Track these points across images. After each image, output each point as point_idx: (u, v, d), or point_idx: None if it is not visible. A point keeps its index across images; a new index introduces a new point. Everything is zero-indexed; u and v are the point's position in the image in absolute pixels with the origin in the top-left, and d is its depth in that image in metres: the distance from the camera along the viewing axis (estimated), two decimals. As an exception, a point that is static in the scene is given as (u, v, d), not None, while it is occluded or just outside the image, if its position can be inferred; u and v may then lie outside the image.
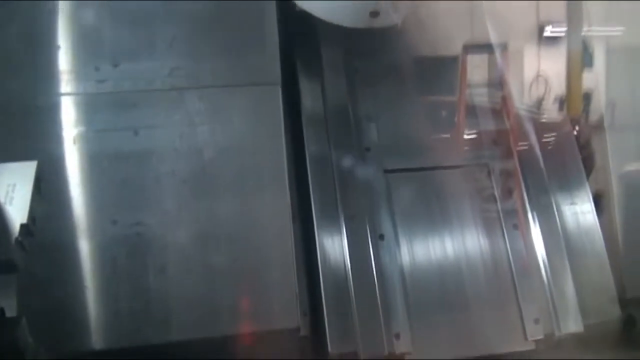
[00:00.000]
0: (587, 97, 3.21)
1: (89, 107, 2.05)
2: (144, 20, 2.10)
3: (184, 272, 2.05)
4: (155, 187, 2.06)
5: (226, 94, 2.13)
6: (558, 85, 3.09)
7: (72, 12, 2.05)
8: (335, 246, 2.19)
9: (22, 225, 1.25)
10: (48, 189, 1.60)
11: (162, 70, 2.09)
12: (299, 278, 2.15)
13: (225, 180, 2.11)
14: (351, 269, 2.17)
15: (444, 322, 2.20)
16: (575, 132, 2.70)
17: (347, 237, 2.19)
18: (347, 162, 2.29)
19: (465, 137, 2.43)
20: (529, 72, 3.09)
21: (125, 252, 2.02)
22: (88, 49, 2.06)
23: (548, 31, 3.22)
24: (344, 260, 2.18)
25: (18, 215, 1.28)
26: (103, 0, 2.05)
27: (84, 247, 1.98)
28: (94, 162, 2.03)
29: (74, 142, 2.01)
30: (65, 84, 2.03)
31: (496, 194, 2.36)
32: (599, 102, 3.11)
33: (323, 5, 2.17)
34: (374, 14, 2.15)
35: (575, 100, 3.11)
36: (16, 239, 1.23)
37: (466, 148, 2.42)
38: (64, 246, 1.97)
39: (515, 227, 2.31)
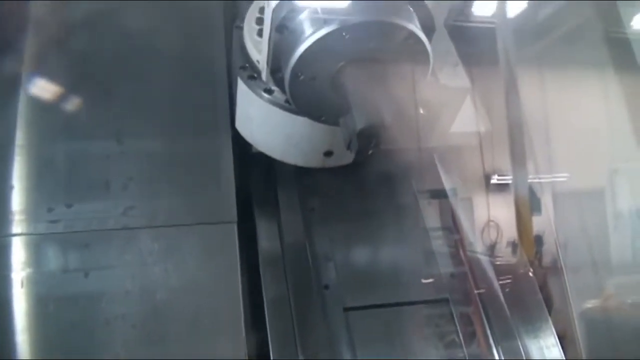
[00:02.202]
0: (540, 240, 3.73)
1: (40, 248, 2.26)
2: (100, 161, 2.40)
3: None
4: (104, 331, 2.21)
5: (181, 233, 2.36)
6: (509, 230, 3.59)
7: (28, 152, 2.36)
8: None
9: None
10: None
11: (116, 210, 2.33)
12: None
13: (178, 324, 2.28)
14: None
15: None
16: (531, 274, 3.16)
17: None
18: (305, 301, 2.52)
19: (425, 276, 2.84)
20: (480, 218, 3.60)
21: None
22: (42, 189, 2.32)
23: (495, 179, 3.80)
24: None
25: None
26: (60, 141, 2.41)
27: (28, 395, 2.03)
28: (42, 305, 2.20)
29: (22, 285, 2.20)
30: (17, 225, 2.25)
31: (459, 329, 2.61)
32: (551, 245, 3.62)
33: (278, 147, 2.51)
34: (328, 154, 2.49)
35: (527, 243, 3.61)
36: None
37: (426, 285, 2.72)
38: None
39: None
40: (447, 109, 2.65)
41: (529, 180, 3.71)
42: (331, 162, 2.53)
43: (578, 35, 3.98)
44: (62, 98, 2.49)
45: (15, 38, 2.57)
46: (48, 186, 2.36)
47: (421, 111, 2.36)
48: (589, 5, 3.69)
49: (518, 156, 3.70)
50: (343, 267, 2.67)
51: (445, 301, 2.67)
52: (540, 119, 3.83)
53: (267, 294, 2.52)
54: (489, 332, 2.65)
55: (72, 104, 2.48)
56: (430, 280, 2.74)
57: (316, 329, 2.50)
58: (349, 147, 2.06)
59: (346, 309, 2.57)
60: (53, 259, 2.30)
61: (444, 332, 2.63)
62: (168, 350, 2.28)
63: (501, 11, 3.33)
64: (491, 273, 2.86)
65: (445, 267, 2.80)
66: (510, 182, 3.60)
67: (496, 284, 2.83)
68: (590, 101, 3.93)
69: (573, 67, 3.96)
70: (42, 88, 2.51)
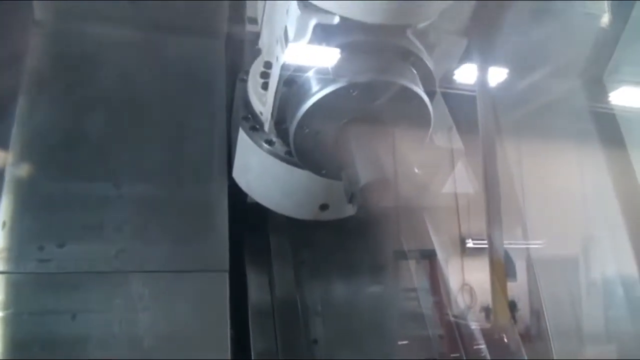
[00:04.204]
0: (514, 306, 3.82)
1: (28, 288, 2.26)
2: (95, 203, 2.42)
3: None
4: (88, 377, 2.17)
5: (172, 279, 2.39)
6: (483, 295, 3.68)
7: (21, 189, 2.38)
8: None
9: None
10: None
11: (108, 253, 2.35)
12: None
13: (165, 373, 2.26)
14: None
15: None
16: (505, 340, 3.23)
17: None
18: (294, 355, 2.54)
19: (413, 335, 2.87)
20: (454, 282, 3.69)
21: None
22: (34, 228, 2.33)
23: (470, 243, 3.91)
24: None
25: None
26: (55, 180, 2.44)
27: None
28: (25, 347, 2.18)
29: (6, 325, 2.19)
30: (6, 262, 2.25)
31: None
32: (526, 311, 3.71)
33: (273, 198, 2.56)
34: (324, 207, 2.53)
35: (501, 309, 3.70)
36: None
37: (414, 343, 2.83)
38: None
39: None
40: (440, 170, 2.73)
41: (505, 246, 3.80)
42: (325, 216, 2.57)
43: (558, 107, 4.15)
44: (60, 137, 2.49)
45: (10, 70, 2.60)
46: (40, 225, 2.37)
47: (416, 171, 2.44)
48: (572, 78, 3.87)
49: (494, 221, 3.79)
50: (332, 321, 2.69)
51: (432, 360, 2.71)
52: (517, 186, 3.95)
53: (256, 346, 2.53)
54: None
55: (71, 145, 2.50)
56: (418, 338, 2.77)
57: (305, 384, 2.51)
58: (350, 201, 2.12)
59: (334, 365, 2.59)
60: (40, 299, 2.29)
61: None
62: (153, 400, 2.24)
63: (482, 79, 3.46)
64: (476, 334, 2.91)
65: (433, 326, 2.84)
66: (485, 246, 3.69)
67: (482, 344, 2.87)
68: (567, 171, 4.07)
69: (551, 137, 4.11)
70: (39, 125, 2.52)
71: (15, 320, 2.22)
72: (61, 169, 2.48)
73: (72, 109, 2.58)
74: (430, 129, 2.34)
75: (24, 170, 2.43)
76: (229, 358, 2.34)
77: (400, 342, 2.78)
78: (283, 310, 2.65)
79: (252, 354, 2.51)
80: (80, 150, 2.52)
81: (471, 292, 3.75)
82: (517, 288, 3.80)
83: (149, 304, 2.35)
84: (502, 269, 3.78)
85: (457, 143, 2.77)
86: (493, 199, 3.83)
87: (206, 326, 2.40)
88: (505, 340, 3.04)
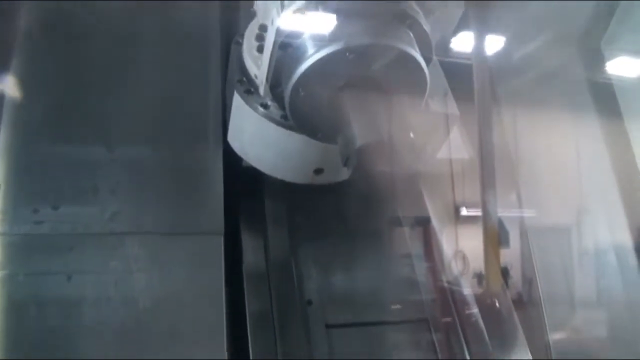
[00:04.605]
0: (506, 273, 3.87)
1: (23, 249, 2.26)
2: (89, 166, 2.42)
3: None
4: (84, 337, 2.23)
5: (167, 241, 2.40)
6: (476, 262, 3.72)
7: (14, 152, 2.37)
8: None
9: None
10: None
11: (103, 215, 2.36)
12: None
13: (160, 333, 2.30)
14: None
15: None
16: (497, 306, 3.28)
17: None
18: (288, 316, 2.57)
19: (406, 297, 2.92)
20: (447, 249, 3.72)
21: None
22: (29, 190, 2.33)
23: (464, 211, 3.94)
24: None
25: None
26: (49, 143, 2.43)
27: (1, 403, 2.03)
28: (21, 308, 2.20)
29: (1, 285, 2.20)
30: (0, 224, 2.27)
31: (437, 348, 2.73)
32: (518, 278, 3.77)
33: (269, 162, 2.56)
34: (319, 171, 2.54)
35: (494, 276, 3.74)
36: None
37: (407, 306, 2.84)
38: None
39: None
40: (435, 135, 2.74)
41: (499, 214, 3.82)
42: (320, 180, 2.58)
43: (554, 76, 4.14)
44: (53, 101, 2.48)
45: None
46: (35, 187, 2.37)
47: (411, 135, 2.44)
48: (569, 47, 3.87)
49: (488, 189, 3.81)
50: (326, 284, 2.72)
51: (425, 322, 2.74)
52: (513, 156, 3.97)
53: (250, 307, 2.56)
54: (466, 352, 2.74)
55: (64, 108, 2.48)
56: (411, 301, 2.81)
57: (298, 345, 2.54)
58: (345, 165, 2.13)
59: (328, 326, 2.62)
60: (35, 260, 2.30)
61: (424, 352, 2.69)
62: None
63: (479, 47, 3.44)
64: (468, 299, 2.95)
65: (426, 290, 2.87)
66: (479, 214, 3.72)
67: (474, 310, 2.91)
68: (562, 140, 4.08)
69: (548, 106, 4.11)
70: (33, 89, 2.50)
71: (10, 281, 2.23)
72: (54, 132, 2.47)
73: (65, 72, 2.56)
74: (426, 94, 2.34)
75: (17, 133, 2.41)
76: (224, 319, 2.36)
77: (393, 306, 2.81)
78: (278, 273, 2.68)
79: (247, 315, 2.52)
80: (73, 113, 2.50)
81: (464, 258, 3.79)
82: (510, 255, 3.84)
83: (144, 266, 2.37)
84: (495, 237, 3.81)
85: (453, 108, 2.78)
86: (487, 166, 3.84)
87: (201, 288, 2.42)
88: (498, 305, 3.09)
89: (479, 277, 3.76)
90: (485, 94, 3.45)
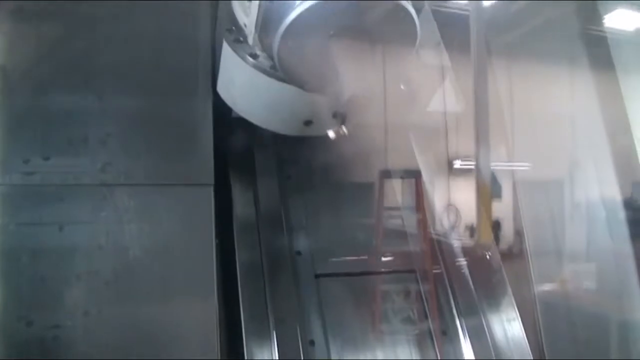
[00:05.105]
0: (497, 225, 3.92)
1: (14, 199, 2.28)
2: (79, 116, 2.42)
3: None
4: (76, 287, 2.26)
5: (157, 192, 2.42)
6: (468, 214, 3.76)
7: (6, 103, 2.36)
8: (264, 352, 2.44)
9: None
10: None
11: (94, 166, 2.37)
12: None
13: (150, 283, 2.34)
14: None
15: None
16: (488, 257, 3.33)
17: (276, 342, 2.45)
18: (277, 266, 2.62)
19: (394, 247, 2.98)
20: (440, 202, 3.76)
21: (40, 357, 2.19)
22: (19, 140, 2.33)
23: (457, 164, 3.95)
24: None
25: None
26: (39, 94, 2.41)
27: (-6, 350, 2.07)
28: (13, 257, 2.23)
29: None
30: None
31: (424, 299, 2.78)
32: (509, 230, 3.82)
33: (258, 113, 2.56)
34: (308, 123, 2.54)
35: (485, 228, 3.79)
36: None
37: (394, 256, 2.90)
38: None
39: (444, 333, 2.74)
40: (426, 87, 2.74)
41: (492, 167, 3.86)
42: (310, 132, 2.59)
43: (551, 29, 4.12)
44: (44, 51, 2.47)
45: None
46: (25, 138, 2.37)
47: (402, 87, 2.44)
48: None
49: (482, 142, 3.84)
50: (316, 235, 2.76)
51: (412, 272, 2.79)
52: (508, 108, 3.97)
53: (240, 258, 2.59)
54: (452, 303, 2.79)
55: (55, 58, 2.47)
56: (399, 252, 2.86)
57: (287, 294, 2.59)
58: (334, 116, 2.13)
59: (317, 276, 2.66)
60: (27, 211, 2.32)
61: (411, 302, 2.75)
62: (139, 308, 2.35)
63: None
64: (457, 251, 3.00)
65: (414, 242, 2.91)
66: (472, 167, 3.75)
67: (461, 262, 2.96)
68: (558, 93, 4.08)
69: (545, 61, 4.11)
70: (22, 39, 2.48)
71: (2, 231, 2.25)
72: (44, 82, 2.45)
73: (55, 22, 2.53)
74: (417, 44, 2.33)
75: (7, 84, 2.40)
76: (215, 269, 2.40)
77: (381, 256, 2.86)
78: (267, 224, 2.70)
79: (237, 265, 2.56)
80: (63, 63, 2.48)
81: (457, 212, 3.82)
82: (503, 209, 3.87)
83: (134, 217, 2.39)
84: (487, 190, 3.85)
85: (445, 59, 2.77)
86: (481, 120, 3.86)
87: (192, 239, 2.46)
88: (487, 257, 3.14)
89: (471, 230, 3.81)
90: (482, 46, 3.43)
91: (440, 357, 2.68)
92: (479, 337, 2.76)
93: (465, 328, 2.77)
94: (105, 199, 2.39)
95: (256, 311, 2.52)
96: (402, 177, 3.19)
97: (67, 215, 2.35)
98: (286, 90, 2.39)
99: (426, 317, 2.79)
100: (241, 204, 2.74)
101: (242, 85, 2.48)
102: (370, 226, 2.96)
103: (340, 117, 2.12)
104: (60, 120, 2.42)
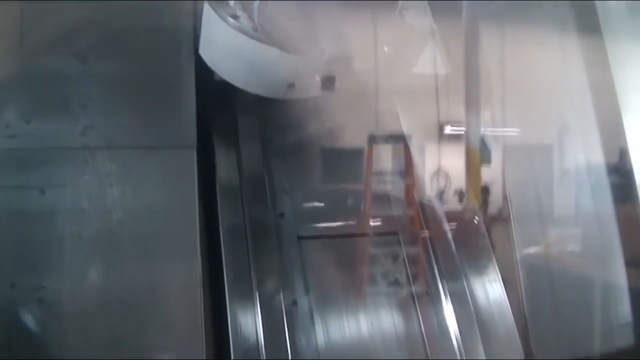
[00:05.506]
0: (487, 190, 3.93)
1: (-4, 163, 2.26)
2: (60, 80, 2.41)
3: (87, 339, 2.24)
4: (59, 249, 2.27)
5: (139, 155, 2.42)
6: (458, 179, 3.78)
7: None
8: (247, 313, 2.46)
9: None
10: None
11: (75, 129, 2.37)
12: (208, 345, 2.35)
13: (134, 244, 2.35)
14: (263, 336, 2.43)
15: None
16: (475, 222, 3.36)
17: (259, 303, 2.47)
18: (260, 228, 2.63)
19: (377, 211, 3.00)
20: (430, 166, 3.77)
21: (24, 319, 2.21)
22: (0, 103, 2.32)
23: (448, 129, 3.97)
24: (256, 327, 2.44)
25: None
26: (19, 55, 2.40)
27: (-23, 311, 2.10)
28: (-4, 220, 2.22)
29: None
30: None
31: (406, 261, 2.81)
32: (497, 195, 3.84)
33: (241, 75, 2.54)
34: (291, 86, 2.53)
35: (474, 193, 3.81)
36: None
37: (378, 219, 2.91)
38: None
39: (427, 294, 2.77)
40: (411, 49, 2.73)
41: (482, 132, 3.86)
42: (293, 95, 2.58)
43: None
44: (25, 12, 2.44)
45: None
46: (6, 101, 2.36)
47: (385, 49, 2.44)
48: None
49: (472, 107, 3.83)
50: (299, 197, 2.78)
51: (395, 234, 2.81)
52: (498, 73, 3.95)
53: (224, 220, 2.60)
54: (435, 266, 2.82)
55: (35, 19, 2.44)
56: (382, 215, 2.87)
57: (270, 255, 2.61)
58: (316, 79, 2.13)
59: (300, 238, 2.68)
60: (9, 174, 2.33)
61: (393, 264, 2.78)
62: (123, 270, 2.36)
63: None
64: (441, 215, 3.02)
65: (398, 206, 2.93)
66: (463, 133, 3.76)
67: (445, 225, 2.98)
68: (540, 58, 4.06)
69: (534, 25, 4.07)
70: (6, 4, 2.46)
71: (-17, 194, 2.22)
72: (25, 45, 2.44)
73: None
74: (400, 4, 2.32)
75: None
76: (197, 231, 2.42)
77: (364, 219, 2.88)
78: (251, 186, 2.71)
79: (220, 227, 2.57)
80: (44, 26, 2.46)
81: (446, 176, 3.83)
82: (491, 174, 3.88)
83: (117, 180, 2.40)
84: (476, 155, 3.85)
85: (430, 21, 2.76)
86: (472, 84, 3.84)
87: (175, 201, 2.46)
88: (475, 222, 3.16)
89: (460, 195, 3.83)
90: (474, 11, 3.39)
91: (421, 317, 2.72)
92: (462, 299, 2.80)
93: (447, 290, 2.81)
94: (87, 162, 2.39)
95: (239, 272, 2.54)
96: (388, 142, 3.18)
97: (50, 178, 2.35)
98: (267, 51, 2.38)
99: (409, 279, 2.81)
100: (224, 167, 2.74)
101: (224, 46, 2.47)
102: (354, 190, 2.97)
103: (322, 79, 2.11)
104: (41, 84, 2.41)
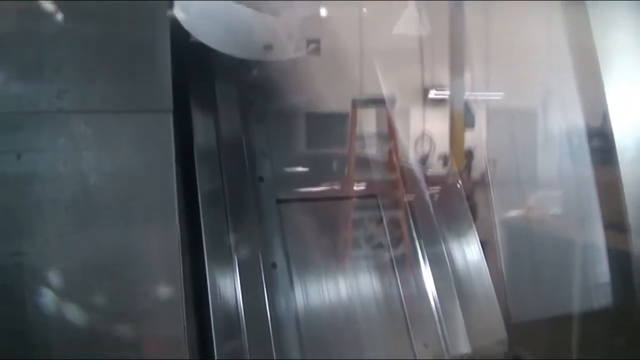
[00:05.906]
0: (470, 155, 3.96)
1: (-32, 127, 2.22)
2: (32, 42, 2.35)
3: (65, 305, 2.26)
4: (36, 214, 2.27)
5: (115, 119, 2.39)
6: (442, 144, 3.80)
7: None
8: (226, 276, 2.49)
9: None
10: None
11: (50, 93, 2.33)
12: (188, 311, 2.37)
13: (111, 209, 2.35)
14: (242, 298, 2.46)
15: (336, 354, 2.57)
16: (458, 186, 3.39)
17: (238, 266, 2.49)
18: (239, 192, 2.63)
19: (357, 176, 3.02)
20: (414, 131, 3.79)
21: (2, 284, 2.22)
22: (-28, 66, 2.25)
23: (432, 94, 3.98)
24: (235, 291, 2.47)
25: None
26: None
27: (-46, 278, 2.08)
28: (-29, 185, 2.18)
29: None
30: None
31: (386, 225, 2.84)
32: (481, 160, 3.87)
33: (217, 37, 2.52)
34: (268, 47, 2.51)
35: (457, 157, 3.84)
36: None
37: (357, 183, 2.92)
38: None
39: (404, 256, 2.81)
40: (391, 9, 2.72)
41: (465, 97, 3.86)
42: (271, 56, 2.56)
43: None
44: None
45: None
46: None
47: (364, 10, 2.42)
48: None
49: (457, 71, 3.83)
50: (278, 161, 2.78)
51: (374, 197, 2.82)
52: (482, 37, 3.95)
53: (202, 185, 2.59)
54: (413, 229, 2.85)
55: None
56: (361, 179, 2.89)
57: (249, 219, 2.61)
58: (294, 39, 2.11)
59: (279, 201, 2.69)
60: (-17, 138, 2.27)
61: (372, 227, 2.80)
62: (101, 235, 2.35)
63: None
64: (421, 179, 3.03)
65: (377, 169, 2.94)
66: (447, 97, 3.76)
67: (424, 189, 3.00)
68: (531, 22, 4.05)
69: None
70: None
71: (-42, 159, 2.20)
72: (-4, 7, 2.39)
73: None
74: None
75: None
76: (175, 195, 2.41)
77: (343, 182, 2.89)
78: (229, 151, 2.70)
79: (199, 193, 2.57)
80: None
81: (430, 140, 3.84)
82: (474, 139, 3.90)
83: (93, 144, 2.38)
84: (460, 119, 3.86)
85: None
86: (456, 48, 3.83)
87: (151, 165, 2.45)
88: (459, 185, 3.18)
89: (444, 159, 3.84)
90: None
91: (399, 280, 2.75)
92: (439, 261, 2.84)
93: (425, 252, 2.84)
94: (62, 126, 2.37)
95: (218, 236, 2.55)
96: (368, 106, 3.18)
97: (25, 143, 2.32)
98: (243, 12, 2.35)
99: (388, 243, 2.84)
100: (202, 131, 2.73)
101: (199, 7, 2.43)
102: (334, 153, 2.98)
103: (297, 41, 2.10)
104: (13, 45, 2.36)
